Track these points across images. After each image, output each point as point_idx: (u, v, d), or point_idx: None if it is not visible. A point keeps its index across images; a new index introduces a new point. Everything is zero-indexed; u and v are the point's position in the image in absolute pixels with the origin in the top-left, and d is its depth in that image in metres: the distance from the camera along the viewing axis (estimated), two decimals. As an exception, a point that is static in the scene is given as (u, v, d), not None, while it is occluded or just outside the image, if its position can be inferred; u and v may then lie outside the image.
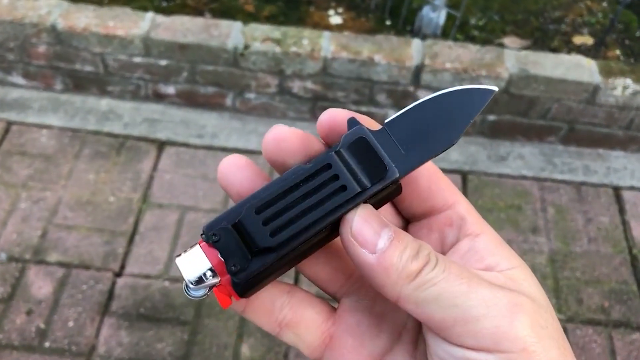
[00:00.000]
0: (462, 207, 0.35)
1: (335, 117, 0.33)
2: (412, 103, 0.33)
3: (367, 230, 0.30)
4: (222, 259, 0.30)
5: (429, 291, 0.29)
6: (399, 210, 0.37)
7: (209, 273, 0.30)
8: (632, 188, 1.86)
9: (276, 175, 0.34)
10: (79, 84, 1.94)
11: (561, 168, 1.91)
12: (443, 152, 0.31)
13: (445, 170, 1.86)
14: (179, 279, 1.58)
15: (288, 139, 0.33)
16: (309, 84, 1.84)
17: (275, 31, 1.78)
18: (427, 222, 0.35)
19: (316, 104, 1.90)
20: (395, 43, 1.78)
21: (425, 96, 0.34)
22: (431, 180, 0.34)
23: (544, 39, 1.96)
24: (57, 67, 1.88)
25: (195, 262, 0.31)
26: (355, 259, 0.30)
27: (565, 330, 1.59)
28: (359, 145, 0.32)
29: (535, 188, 1.86)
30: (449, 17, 1.94)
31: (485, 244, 0.33)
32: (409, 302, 0.29)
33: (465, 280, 0.29)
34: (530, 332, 0.28)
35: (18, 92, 1.95)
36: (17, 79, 1.94)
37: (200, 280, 0.30)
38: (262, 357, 1.48)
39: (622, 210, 1.81)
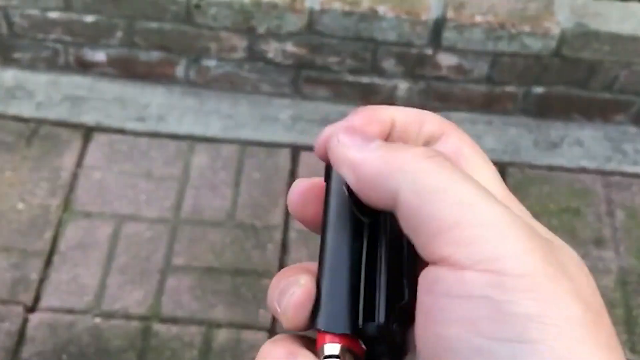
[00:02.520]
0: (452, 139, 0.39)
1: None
2: None
3: (355, 136, 0.35)
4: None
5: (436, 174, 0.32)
6: None
7: None
8: None
9: None
10: (-27, 49, 1.94)
11: (634, 157, 1.93)
12: None
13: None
14: (115, 313, 1.59)
15: (314, 192, 0.40)
16: (290, 47, 1.85)
17: (242, -26, 1.79)
18: None
19: (299, 73, 1.91)
20: (407, -11, 1.80)
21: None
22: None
23: (608, -17, 1.98)
24: (-57, 26, 1.88)
25: None
26: (342, 161, 0.35)
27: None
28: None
29: (599, 184, 1.87)
30: (480, -47, 1.96)
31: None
32: (410, 191, 0.32)
33: (474, 183, 0.32)
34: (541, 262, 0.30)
35: None
36: None
37: None
38: (229, 419, 1.49)
39: None
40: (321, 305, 0.35)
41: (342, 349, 0.35)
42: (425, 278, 0.32)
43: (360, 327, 0.35)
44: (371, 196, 0.34)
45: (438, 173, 0.32)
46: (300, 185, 0.40)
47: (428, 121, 0.39)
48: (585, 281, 0.31)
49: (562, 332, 0.28)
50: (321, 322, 0.35)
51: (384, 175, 0.33)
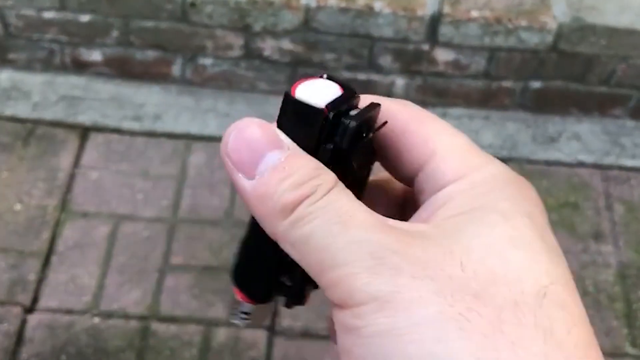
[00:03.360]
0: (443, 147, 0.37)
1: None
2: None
3: (246, 149, 0.32)
4: None
5: (302, 229, 0.31)
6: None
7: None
8: None
9: None
10: (-31, 50, 1.94)
11: (632, 151, 1.93)
12: None
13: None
14: (113, 313, 1.59)
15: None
16: (286, 44, 1.85)
17: (237, -28, 1.79)
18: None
19: (296, 70, 1.91)
20: (403, -15, 1.79)
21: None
22: (408, 125, 0.37)
23: (604, -24, 1.98)
24: (-62, 27, 1.88)
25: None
26: (232, 181, 0.33)
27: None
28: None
29: (597, 179, 1.87)
30: (475, -52, 1.96)
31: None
32: (285, 241, 0.32)
33: (346, 218, 0.31)
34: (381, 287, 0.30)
35: None
36: None
37: None
38: (229, 418, 1.48)
39: None
40: None
41: None
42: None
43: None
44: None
45: (307, 221, 0.31)
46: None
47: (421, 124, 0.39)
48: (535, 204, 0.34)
49: None
50: None
51: (262, 214, 0.33)
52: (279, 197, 0.31)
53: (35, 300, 1.59)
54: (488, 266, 0.29)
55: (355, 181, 0.35)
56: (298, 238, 0.31)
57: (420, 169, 0.36)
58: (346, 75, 1.90)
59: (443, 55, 1.84)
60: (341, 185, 0.32)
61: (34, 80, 1.95)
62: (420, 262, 0.29)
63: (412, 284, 0.29)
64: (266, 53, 1.87)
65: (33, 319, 1.57)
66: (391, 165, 0.38)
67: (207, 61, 1.91)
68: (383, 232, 0.30)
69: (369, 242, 0.30)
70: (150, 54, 1.91)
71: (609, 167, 1.90)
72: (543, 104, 1.96)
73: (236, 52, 1.88)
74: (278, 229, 0.31)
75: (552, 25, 1.76)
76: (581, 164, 1.90)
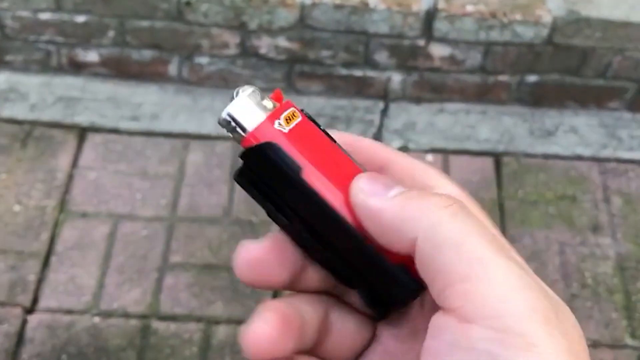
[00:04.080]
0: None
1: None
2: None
3: (376, 184, 0.36)
4: None
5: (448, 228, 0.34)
6: None
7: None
8: None
9: None
10: (-35, 53, 1.94)
11: (629, 143, 1.93)
12: None
13: (472, 152, 1.88)
14: (113, 312, 1.59)
15: (263, 260, 0.38)
16: (282, 42, 1.85)
17: (232, -30, 1.79)
18: None
19: (293, 68, 1.91)
20: (397, -19, 1.80)
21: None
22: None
23: (599, -31, 1.99)
24: None
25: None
26: (362, 209, 0.36)
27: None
28: None
29: (594, 171, 1.88)
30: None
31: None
32: (427, 240, 0.34)
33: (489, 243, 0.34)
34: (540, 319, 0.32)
35: None
36: None
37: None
38: (231, 415, 1.49)
39: None
40: None
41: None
42: (435, 324, 0.34)
43: None
44: (391, 241, 0.35)
45: (454, 224, 0.33)
46: (247, 255, 0.38)
47: (420, 171, 0.40)
48: (578, 339, 0.33)
49: None
50: None
51: (403, 223, 0.34)
52: (433, 194, 0.35)
53: (35, 300, 1.60)
54: None
55: None
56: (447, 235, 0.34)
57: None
58: (343, 72, 1.90)
59: (439, 51, 1.84)
60: None
61: (31, 82, 1.95)
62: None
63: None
64: (262, 51, 1.87)
65: (33, 320, 1.57)
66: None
67: (203, 60, 1.91)
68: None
69: (521, 276, 0.33)
70: (147, 54, 1.91)
71: (607, 160, 1.90)
72: (540, 97, 1.96)
73: (232, 51, 1.88)
74: (433, 215, 0.34)
75: (547, 18, 1.77)
76: (579, 157, 1.90)
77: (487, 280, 0.32)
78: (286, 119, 0.37)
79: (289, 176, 0.36)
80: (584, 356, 0.33)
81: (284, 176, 0.36)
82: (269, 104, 0.37)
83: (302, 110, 0.38)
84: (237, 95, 0.37)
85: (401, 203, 0.35)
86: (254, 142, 0.36)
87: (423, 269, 0.34)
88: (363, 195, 0.36)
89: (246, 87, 0.37)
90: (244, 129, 0.37)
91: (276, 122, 0.37)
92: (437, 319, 0.34)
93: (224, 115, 0.37)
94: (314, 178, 0.36)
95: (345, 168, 0.37)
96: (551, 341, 0.31)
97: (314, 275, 0.39)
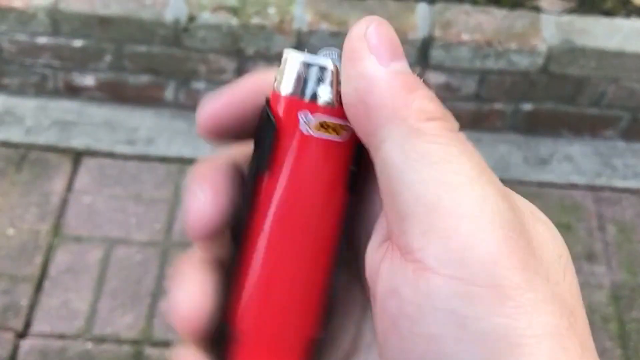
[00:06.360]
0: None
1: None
2: None
3: (386, 39, 0.30)
4: None
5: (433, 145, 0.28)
6: None
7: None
8: None
9: None
10: (-38, 75, 1.94)
11: (623, 172, 1.94)
12: None
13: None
14: (106, 337, 1.58)
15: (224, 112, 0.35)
16: (279, 68, 1.86)
17: (230, -3, 1.80)
18: None
19: (289, 94, 1.92)
20: (394, 8, 1.81)
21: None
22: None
23: (593, -1, 2.00)
24: None
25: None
26: (355, 65, 0.30)
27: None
28: None
29: (589, 200, 1.88)
30: (465, -28, 1.97)
31: None
32: (398, 145, 0.28)
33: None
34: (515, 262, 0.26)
35: None
36: None
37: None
38: None
39: None
40: None
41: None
42: (390, 276, 0.28)
43: None
44: (358, 120, 0.30)
45: (436, 139, 0.28)
46: (214, 107, 0.35)
47: None
48: (562, 272, 0.29)
49: (533, 351, 0.25)
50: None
51: (382, 110, 0.28)
52: (419, 98, 0.29)
53: (27, 325, 1.59)
54: None
55: None
56: (419, 148, 0.28)
57: None
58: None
59: (434, 78, 1.85)
60: None
61: (27, 105, 1.95)
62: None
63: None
64: (259, 77, 1.88)
65: (25, 344, 1.56)
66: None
67: (200, 85, 1.92)
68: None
69: (500, 211, 0.27)
70: (143, 79, 1.92)
71: (601, 189, 1.90)
72: (534, 125, 1.97)
73: (229, 76, 1.89)
74: (402, 124, 0.28)
75: (542, 47, 1.78)
76: (573, 186, 1.90)
77: (455, 213, 0.26)
78: (323, 125, 0.31)
79: (251, 170, 0.32)
80: (568, 293, 0.28)
81: (251, 164, 0.33)
82: (331, 96, 0.31)
83: (358, 142, 0.30)
84: (327, 56, 0.31)
85: (397, 85, 0.29)
86: (270, 107, 0.31)
87: (384, 181, 0.28)
88: (361, 44, 0.29)
89: (337, 59, 0.31)
90: (282, 87, 0.31)
91: (311, 116, 0.30)
92: (392, 270, 0.28)
93: (300, 58, 0.31)
94: (267, 191, 0.32)
95: (304, 236, 0.32)
96: (525, 291, 0.26)
97: None
